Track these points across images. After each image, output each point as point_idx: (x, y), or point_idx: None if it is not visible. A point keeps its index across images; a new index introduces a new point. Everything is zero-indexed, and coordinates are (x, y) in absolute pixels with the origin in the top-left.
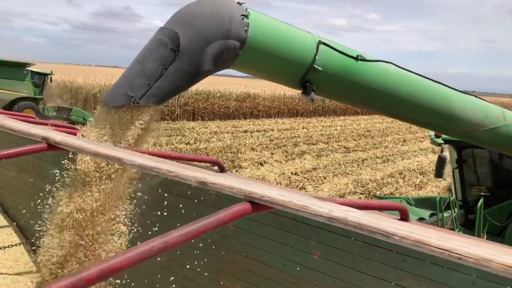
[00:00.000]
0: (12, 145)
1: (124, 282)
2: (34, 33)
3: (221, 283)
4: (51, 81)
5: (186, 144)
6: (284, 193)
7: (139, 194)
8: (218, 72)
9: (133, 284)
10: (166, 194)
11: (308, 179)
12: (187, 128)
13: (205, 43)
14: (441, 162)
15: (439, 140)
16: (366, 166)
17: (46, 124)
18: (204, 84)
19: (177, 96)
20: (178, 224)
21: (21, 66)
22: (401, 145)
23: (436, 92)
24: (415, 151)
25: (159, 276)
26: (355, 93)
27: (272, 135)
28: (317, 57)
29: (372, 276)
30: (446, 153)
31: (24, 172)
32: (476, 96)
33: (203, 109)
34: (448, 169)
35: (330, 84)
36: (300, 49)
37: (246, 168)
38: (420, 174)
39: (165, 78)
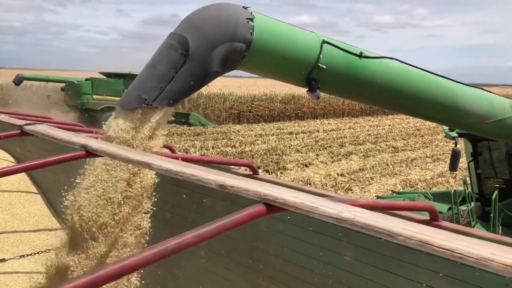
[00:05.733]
0: (62, 152)
1: (163, 283)
2: (87, 43)
3: (258, 283)
4: None
5: (232, 147)
6: (299, 195)
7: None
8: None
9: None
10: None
11: (355, 180)
12: (233, 131)
13: (213, 47)
14: (455, 155)
15: (453, 134)
16: (416, 166)
17: (91, 132)
18: (250, 87)
19: (223, 100)
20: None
21: None
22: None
23: (440, 85)
24: None
25: (197, 275)
26: (359, 89)
27: (317, 136)
28: (321, 56)
29: (403, 277)
30: (460, 146)
31: (71, 177)
32: (482, 89)
33: (248, 112)
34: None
35: (334, 81)
36: (304, 49)
37: (291, 170)
38: None
39: (176, 80)
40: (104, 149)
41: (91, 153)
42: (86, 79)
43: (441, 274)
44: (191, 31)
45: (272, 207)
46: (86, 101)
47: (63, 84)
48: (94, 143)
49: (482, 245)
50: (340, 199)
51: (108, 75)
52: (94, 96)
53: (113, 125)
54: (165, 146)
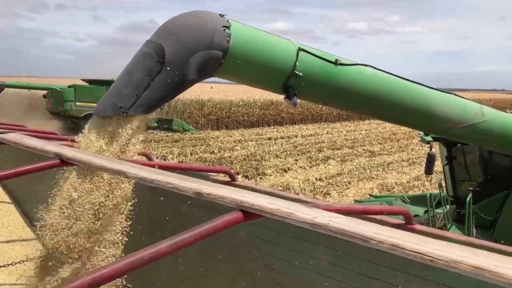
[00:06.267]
0: (37, 160)
1: None
2: (64, 50)
3: None
4: None
5: (211, 153)
6: (275, 201)
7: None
8: None
9: None
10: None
11: (333, 185)
12: (212, 138)
13: (189, 54)
14: (430, 159)
15: (428, 138)
16: (392, 170)
17: (66, 140)
18: (228, 93)
19: (201, 106)
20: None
21: None
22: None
23: (414, 91)
24: None
25: (176, 284)
26: (335, 96)
27: (296, 142)
28: (297, 63)
29: (380, 280)
30: (435, 150)
31: (46, 186)
32: (455, 95)
33: (227, 118)
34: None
35: (311, 88)
36: (281, 56)
37: (270, 175)
38: None
39: (152, 88)
40: (78, 157)
41: (65, 162)
42: (69, 86)
43: (417, 277)
44: (168, 39)
45: (248, 213)
46: (69, 108)
47: (41, 92)
48: (68, 151)
49: (451, 248)
50: (316, 205)
51: (91, 82)
52: (77, 103)
53: (88, 133)
54: (142, 154)
